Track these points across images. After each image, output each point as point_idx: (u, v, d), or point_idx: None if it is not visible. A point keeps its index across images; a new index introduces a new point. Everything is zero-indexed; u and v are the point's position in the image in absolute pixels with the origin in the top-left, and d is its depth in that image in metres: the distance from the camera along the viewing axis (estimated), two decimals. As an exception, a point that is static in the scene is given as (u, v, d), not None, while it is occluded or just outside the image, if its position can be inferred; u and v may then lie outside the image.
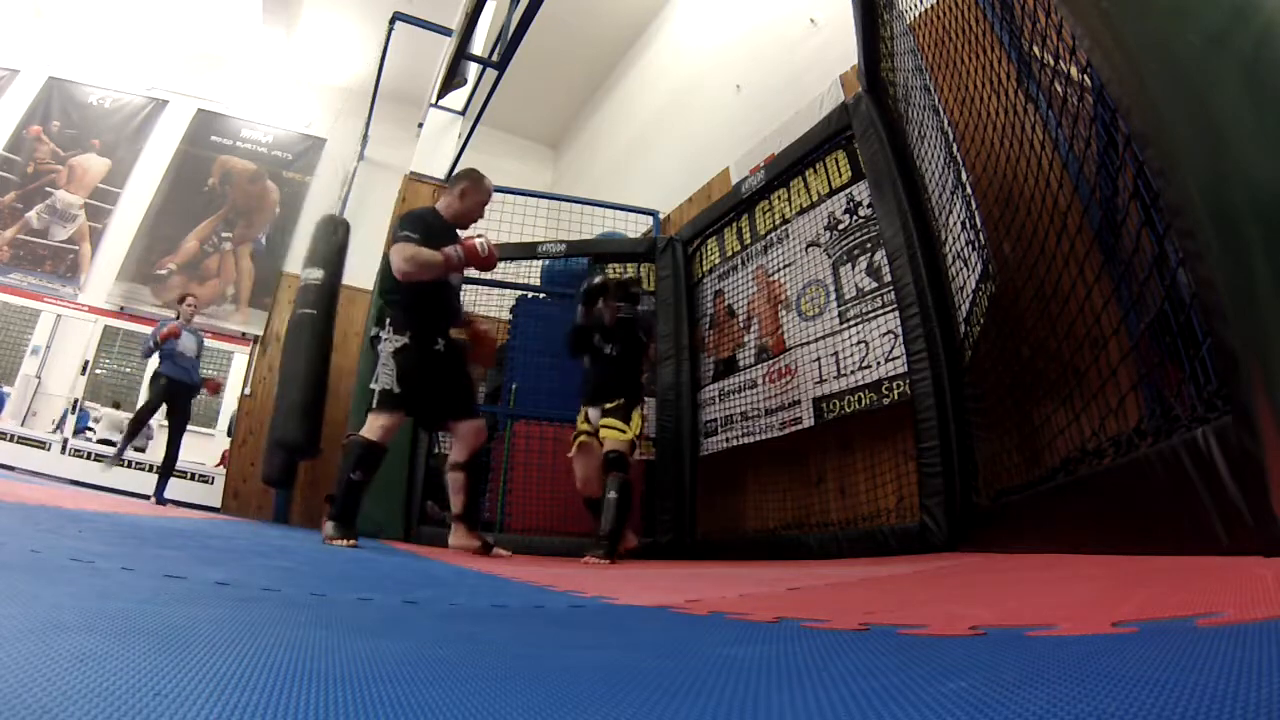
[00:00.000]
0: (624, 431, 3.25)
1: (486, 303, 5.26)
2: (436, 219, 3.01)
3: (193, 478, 6.75)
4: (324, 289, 5.72)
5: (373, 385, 2.79)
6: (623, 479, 3.17)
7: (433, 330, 2.89)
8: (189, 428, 5.46)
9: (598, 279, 3.62)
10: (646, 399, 4.25)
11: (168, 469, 5.28)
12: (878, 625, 0.72)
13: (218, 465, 7.37)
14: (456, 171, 3.15)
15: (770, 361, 3.70)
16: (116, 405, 7.36)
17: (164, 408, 5.28)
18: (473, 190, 3.10)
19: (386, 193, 6.11)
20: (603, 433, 3.31)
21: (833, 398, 3.23)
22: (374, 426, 2.74)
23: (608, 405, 3.33)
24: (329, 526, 2.62)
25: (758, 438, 3.66)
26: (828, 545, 2.96)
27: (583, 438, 3.41)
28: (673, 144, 6.35)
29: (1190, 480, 0.93)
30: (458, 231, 3.07)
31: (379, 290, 2.98)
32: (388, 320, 2.84)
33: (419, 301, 2.85)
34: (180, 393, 5.28)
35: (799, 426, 3.38)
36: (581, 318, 3.52)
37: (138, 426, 5.36)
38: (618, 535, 3.12)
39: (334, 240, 5.91)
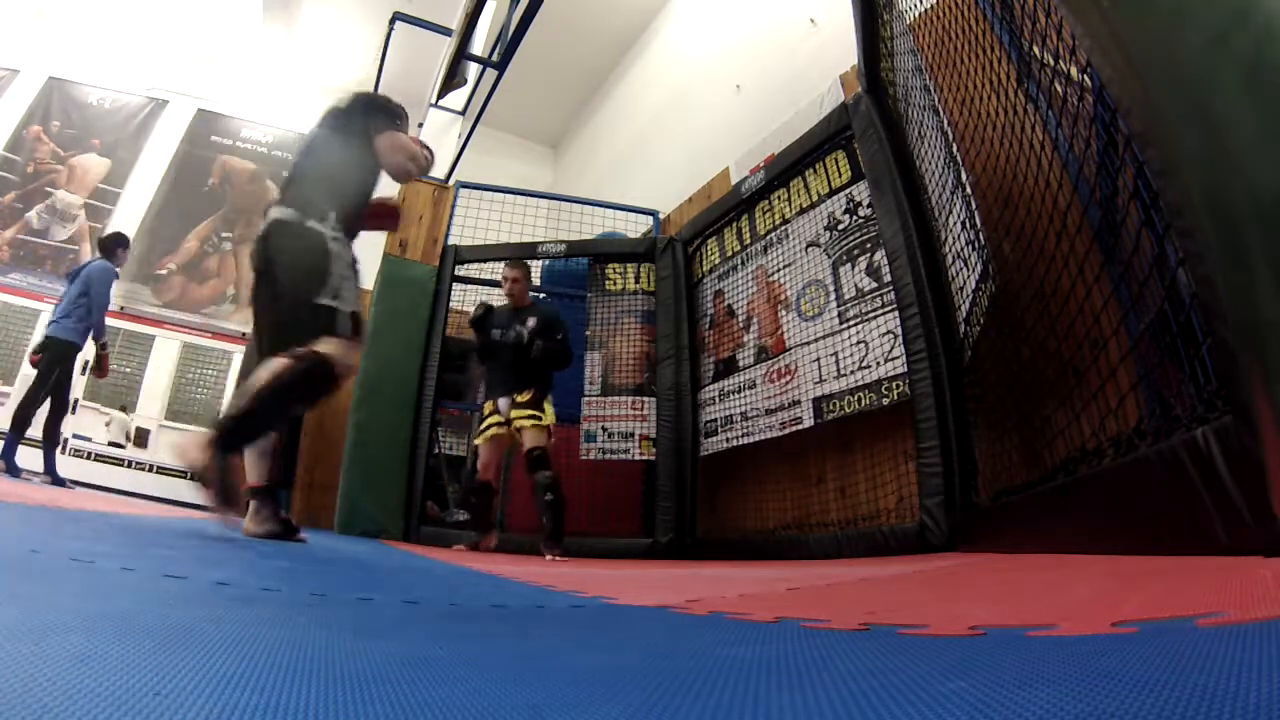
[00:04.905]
0: (540, 418, 3.32)
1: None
2: None
3: (193, 478, 6.74)
4: None
5: (331, 303, 1.97)
6: (551, 478, 3.25)
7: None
8: (186, 426, 5.32)
9: (480, 310, 3.66)
10: (646, 398, 4.26)
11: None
12: (878, 625, 0.72)
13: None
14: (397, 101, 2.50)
15: (770, 361, 3.70)
16: (124, 409, 7.34)
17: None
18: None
19: (386, 192, 6.10)
20: (518, 422, 3.35)
21: (833, 398, 3.23)
22: (346, 352, 1.96)
23: (519, 398, 3.38)
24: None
25: (758, 438, 3.66)
26: (827, 545, 2.96)
27: (494, 430, 3.46)
28: (673, 144, 6.36)
29: (1190, 480, 0.93)
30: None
31: (320, 177, 2.15)
32: (334, 217, 2.07)
33: (359, 214, 2.22)
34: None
35: (799, 426, 3.39)
36: (478, 339, 3.63)
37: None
38: (561, 533, 3.23)
39: None
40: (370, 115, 2.28)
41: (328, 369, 1.89)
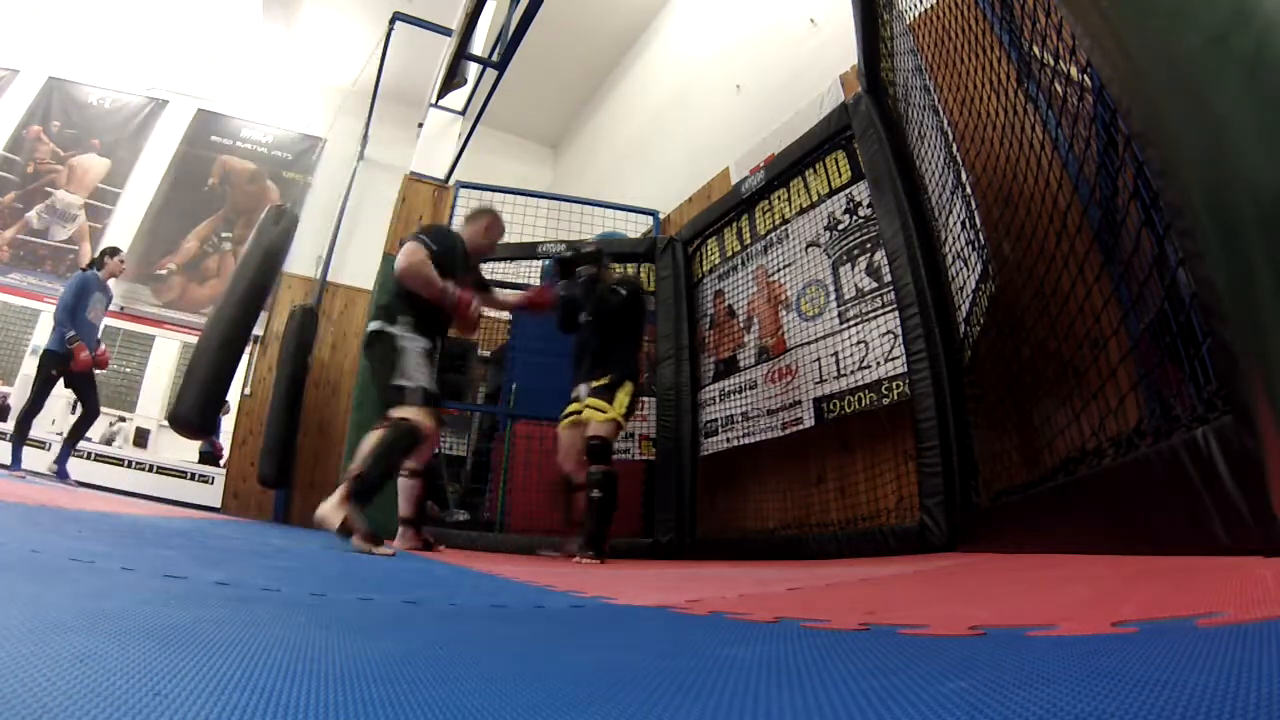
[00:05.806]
0: (604, 411, 3.13)
1: (486, 303, 5.26)
2: (460, 245, 3.00)
3: (192, 478, 6.75)
4: (250, 281, 5.57)
5: (402, 382, 2.61)
6: (605, 472, 3.04)
7: (435, 336, 2.88)
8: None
9: (569, 252, 3.63)
10: (646, 398, 4.25)
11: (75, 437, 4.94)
12: (878, 625, 0.72)
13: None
14: (479, 208, 3.30)
15: (771, 362, 3.70)
16: (123, 418, 7.35)
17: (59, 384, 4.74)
18: (494, 226, 3.21)
19: (387, 193, 6.12)
20: (585, 414, 3.20)
21: (833, 398, 3.23)
22: (420, 415, 2.57)
23: (595, 383, 3.24)
24: (364, 537, 2.23)
25: (758, 438, 3.66)
26: (827, 545, 2.96)
27: (573, 416, 3.34)
28: (673, 144, 6.35)
29: (1190, 480, 0.93)
30: (474, 264, 3.19)
31: (387, 288, 2.85)
32: (406, 320, 2.74)
33: (430, 312, 2.82)
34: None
35: (800, 427, 3.38)
36: (564, 289, 3.49)
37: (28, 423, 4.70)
38: (602, 536, 3.01)
39: (270, 232, 5.79)
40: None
41: (409, 426, 2.52)
